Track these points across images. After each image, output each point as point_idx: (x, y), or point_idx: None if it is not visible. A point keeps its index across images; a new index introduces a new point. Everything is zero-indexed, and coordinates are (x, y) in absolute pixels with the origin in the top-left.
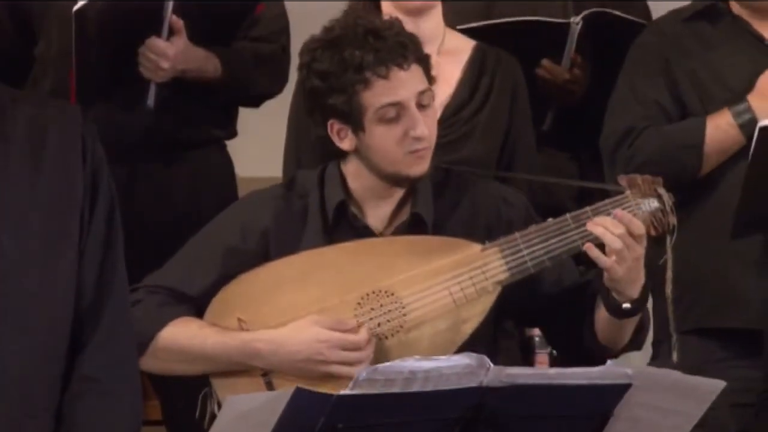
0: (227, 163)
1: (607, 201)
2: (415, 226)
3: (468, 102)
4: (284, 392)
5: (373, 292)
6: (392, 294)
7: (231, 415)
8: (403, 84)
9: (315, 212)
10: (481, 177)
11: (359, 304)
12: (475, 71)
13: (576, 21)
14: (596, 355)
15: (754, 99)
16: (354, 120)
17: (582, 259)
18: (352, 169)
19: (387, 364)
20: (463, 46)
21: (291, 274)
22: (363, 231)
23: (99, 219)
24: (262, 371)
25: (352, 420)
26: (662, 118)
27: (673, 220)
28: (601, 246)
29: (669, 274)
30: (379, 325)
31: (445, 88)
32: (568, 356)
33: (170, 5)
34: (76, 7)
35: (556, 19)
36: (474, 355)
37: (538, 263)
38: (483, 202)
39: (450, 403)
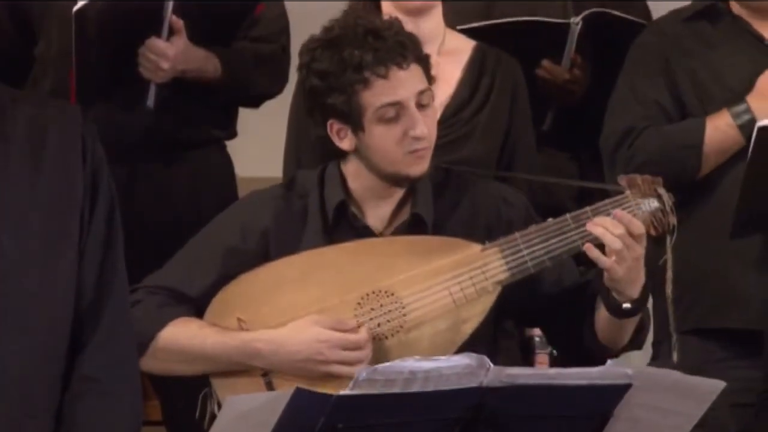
0: (227, 163)
1: (607, 201)
2: (415, 226)
3: (468, 102)
4: (284, 392)
5: (373, 292)
6: (392, 294)
7: (231, 415)
8: (402, 84)
9: (315, 212)
10: (481, 177)
11: (359, 304)
12: (475, 71)
13: (576, 21)
14: (596, 355)
15: (753, 99)
16: (353, 120)
17: (582, 259)
18: (351, 169)
19: (387, 364)
20: (463, 47)
21: (291, 274)
22: (363, 231)
23: (99, 219)
24: (262, 371)
25: (352, 420)
26: (662, 118)
27: (673, 220)
28: (601, 246)
29: (669, 274)
30: (379, 325)
31: (445, 89)
32: (569, 356)
33: (170, 5)
34: (76, 8)
35: (555, 19)
36: (474, 355)
37: (538, 263)
38: (483, 202)
39: (450, 403)
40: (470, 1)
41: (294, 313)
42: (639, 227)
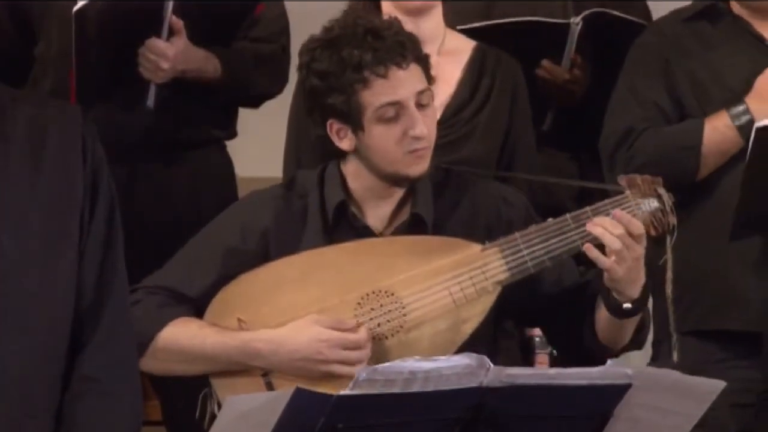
0: (227, 163)
1: (607, 201)
2: (415, 226)
3: (468, 102)
4: (284, 392)
5: (373, 292)
6: (392, 294)
7: (231, 416)
8: (402, 83)
9: (315, 212)
10: (481, 177)
11: (359, 304)
12: (476, 72)
13: (576, 21)
14: (596, 355)
15: (752, 100)
16: (353, 120)
17: (582, 259)
18: (351, 169)
19: (387, 364)
20: (463, 47)
21: (291, 274)
22: (363, 231)
23: (99, 219)
24: (262, 371)
25: (352, 420)
26: (661, 119)
27: (673, 220)
28: (601, 246)
29: (669, 274)
30: (379, 325)
31: (445, 89)
32: (569, 356)
33: (170, 5)
34: (76, 8)
35: (556, 19)
36: (474, 355)
37: (538, 263)
38: (483, 202)
39: (450, 403)
40: (470, 1)
41: (294, 313)
42: (638, 227)
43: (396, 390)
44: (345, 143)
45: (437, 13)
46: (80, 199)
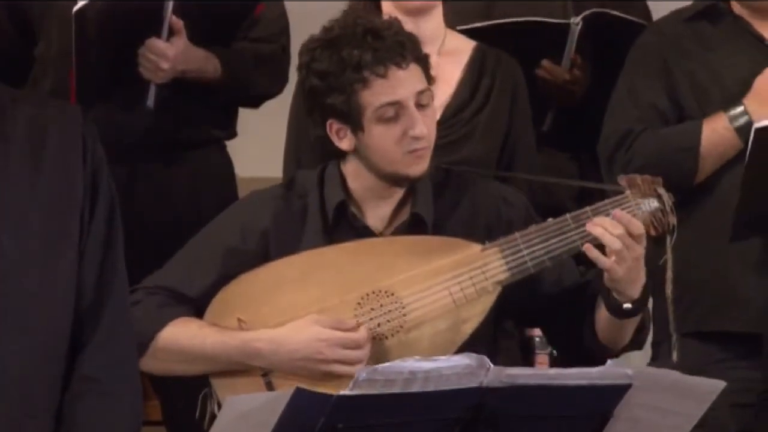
0: (227, 164)
1: (607, 201)
2: (415, 226)
3: (468, 103)
4: (284, 392)
5: (373, 292)
6: (392, 294)
7: (231, 416)
8: (401, 83)
9: (315, 212)
10: (481, 177)
11: (359, 304)
12: (476, 72)
13: (576, 21)
14: (597, 355)
15: (750, 102)
16: (353, 120)
17: (582, 259)
18: (351, 169)
19: (387, 364)
20: (464, 47)
21: (291, 274)
22: (363, 231)
23: (99, 219)
24: (262, 371)
25: (352, 420)
26: (659, 121)
27: (673, 220)
28: (601, 246)
29: (669, 274)
30: (379, 325)
31: (445, 89)
32: (569, 356)
33: (170, 6)
34: (76, 8)
35: (556, 19)
36: (474, 355)
37: (539, 263)
38: (483, 202)
39: (450, 403)
40: (470, 1)
41: (294, 313)
42: (638, 227)
43: (396, 390)
44: (345, 143)
45: (437, 13)
46: (80, 199)
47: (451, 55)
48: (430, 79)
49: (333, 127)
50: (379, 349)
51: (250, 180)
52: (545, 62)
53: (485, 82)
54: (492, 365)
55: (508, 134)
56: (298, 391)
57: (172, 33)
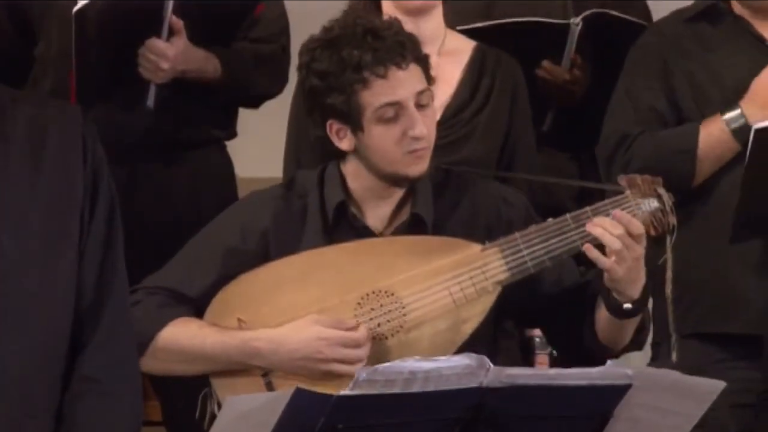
0: (227, 164)
1: (607, 201)
2: (414, 226)
3: (468, 103)
4: (284, 392)
5: (373, 292)
6: (392, 294)
7: (231, 416)
8: (401, 83)
9: (314, 212)
10: (481, 177)
11: (359, 304)
12: (476, 72)
13: (576, 22)
14: (597, 356)
15: (746, 104)
16: (353, 120)
17: (582, 259)
18: (351, 169)
19: (387, 364)
20: (464, 47)
21: (291, 274)
22: (363, 231)
23: (99, 219)
24: (262, 371)
25: (352, 420)
26: (657, 123)
27: (673, 220)
28: (601, 246)
29: (669, 274)
30: (379, 325)
31: (445, 89)
32: (569, 356)
33: (170, 6)
34: (76, 8)
35: (556, 19)
36: (474, 355)
37: (539, 263)
38: (483, 202)
39: (450, 403)
40: (470, 1)
41: (294, 313)
42: (638, 227)
43: (396, 390)
44: (344, 143)
45: (437, 13)
46: (80, 199)
47: (451, 55)
48: (430, 80)
49: (333, 127)
50: (379, 349)
51: (250, 180)
52: (545, 62)
53: (485, 83)
54: (492, 365)
55: (508, 134)
56: (298, 391)
57: (172, 33)
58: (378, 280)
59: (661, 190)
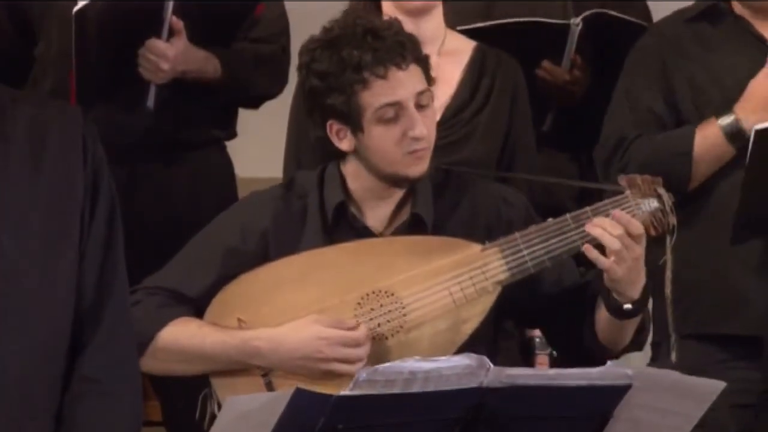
0: (227, 164)
1: (606, 201)
2: (414, 226)
3: (468, 103)
4: (284, 393)
5: (373, 293)
6: (392, 294)
7: (231, 416)
8: (401, 84)
9: (314, 213)
10: (481, 177)
11: (359, 304)
12: (476, 72)
13: (576, 22)
14: (596, 356)
15: (740, 108)
16: (353, 120)
17: (582, 259)
18: (351, 169)
19: (387, 364)
20: (464, 47)
21: (291, 275)
22: (362, 231)
23: (99, 220)
24: (262, 371)
25: (352, 420)
26: (655, 125)
27: (672, 220)
28: (600, 246)
29: (668, 274)
30: (379, 325)
31: (445, 89)
32: (569, 357)
33: (170, 6)
34: (76, 8)
35: (556, 20)
36: (474, 355)
37: (539, 263)
38: (483, 202)
39: (450, 403)
40: (470, 1)
41: (294, 313)
42: (637, 227)
43: (396, 390)
44: (344, 144)
45: (438, 13)
46: (80, 200)
47: (451, 55)
48: (430, 80)
49: (333, 127)
50: (379, 350)
51: (250, 180)
52: (545, 63)
53: (485, 83)
54: (492, 365)
55: (508, 134)
56: (298, 392)
57: (172, 33)
58: (378, 280)
59: (661, 190)
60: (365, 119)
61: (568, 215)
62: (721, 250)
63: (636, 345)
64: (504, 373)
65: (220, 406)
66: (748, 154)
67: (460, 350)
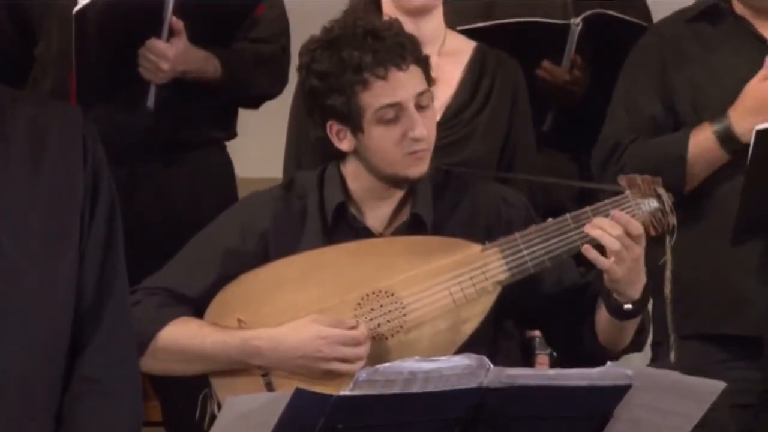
0: (227, 164)
1: (606, 201)
2: (414, 226)
3: (469, 103)
4: (284, 393)
5: (373, 293)
6: (392, 294)
7: (231, 416)
8: (401, 85)
9: (314, 213)
10: (481, 178)
11: (359, 304)
12: (476, 72)
13: (576, 22)
14: (596, 357)
15: (733, 112)
16: (353, 121)
17: (582, 259)
18: (351, 170)
19: (387, 364)
20: (464, 48)
21: (291, 275)
22: (362, 232)
23: (99, 220)
24: (262, 371)
25: (352, 420)
26: (652, 128)
27: (672, 220)
28: (600, 247)
29: (668, 274)
30: (379, 325)
31: (445, 90)
32: (568, 357)
33: (170, 6)
34: (76, 8)
35: (556, 20)
36: (474, 355)
37: (539, 263)
38: (483, 202)
39: (450, 403)
40: (470, 1)
41: (294, 313)
42: (637, 228)
43: (396, 390)
44: (344, 144)
45: (438, 13)
46: (80, 200)
47: (451, 55)
48: (430, 81)
49: (333, 128)
50: (379, 350)
51: (250, 180)
52: (545, 63)
53: (485, 83)
54: (492, 366)
55: (509, 135)
56: (298, 392)
57: (172, 33)
58: (378, 281)
59: (661, 190)
60: (365, 120)
61: (568, 215)
62: (721, 250)
63: (636, 346)
64: (504, 373)
65: (220, 406)
66: (749, 154)
67: (460, 350)
